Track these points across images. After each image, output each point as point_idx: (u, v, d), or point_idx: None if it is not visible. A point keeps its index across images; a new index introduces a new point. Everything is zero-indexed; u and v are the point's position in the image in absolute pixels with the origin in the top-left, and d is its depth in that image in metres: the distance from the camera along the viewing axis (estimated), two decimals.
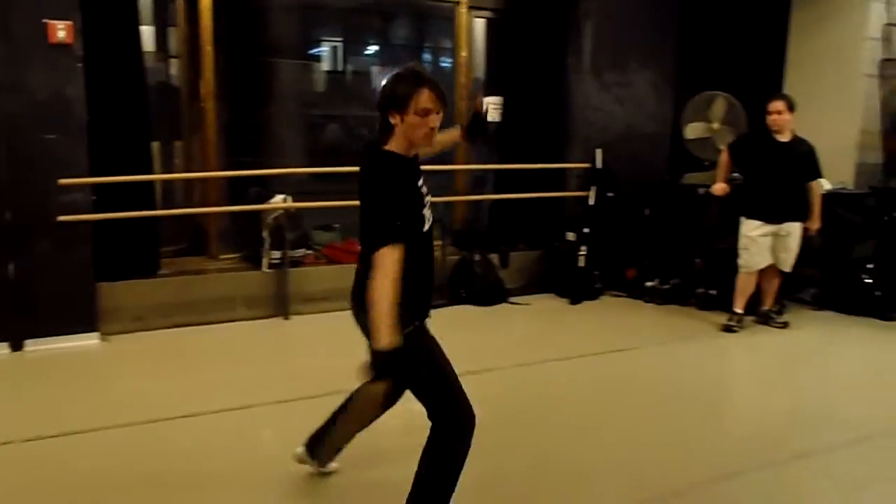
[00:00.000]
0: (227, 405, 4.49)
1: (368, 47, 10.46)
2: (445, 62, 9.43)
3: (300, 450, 3.57)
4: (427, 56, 10.37)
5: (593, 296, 7.32)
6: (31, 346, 5.42)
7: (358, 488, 3.62)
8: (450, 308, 6.84)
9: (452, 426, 2.94)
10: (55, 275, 5.47)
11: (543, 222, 7.67)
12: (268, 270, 6.40)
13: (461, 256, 7.19)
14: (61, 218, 5.39)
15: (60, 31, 5.26)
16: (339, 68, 10.12)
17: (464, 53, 7.62)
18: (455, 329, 6.47)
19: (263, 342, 5.92)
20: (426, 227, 2.86)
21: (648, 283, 7.25)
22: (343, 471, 3.66)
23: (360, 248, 2.99)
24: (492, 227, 7.83)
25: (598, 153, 7.41)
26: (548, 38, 7.66)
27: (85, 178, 5.48)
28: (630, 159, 7.61)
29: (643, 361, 5.65)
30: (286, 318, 6.31)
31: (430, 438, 2.95)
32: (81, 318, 5.61)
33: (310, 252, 6.72)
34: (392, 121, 2.77)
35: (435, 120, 2.75)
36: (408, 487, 3.00)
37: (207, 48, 6.48)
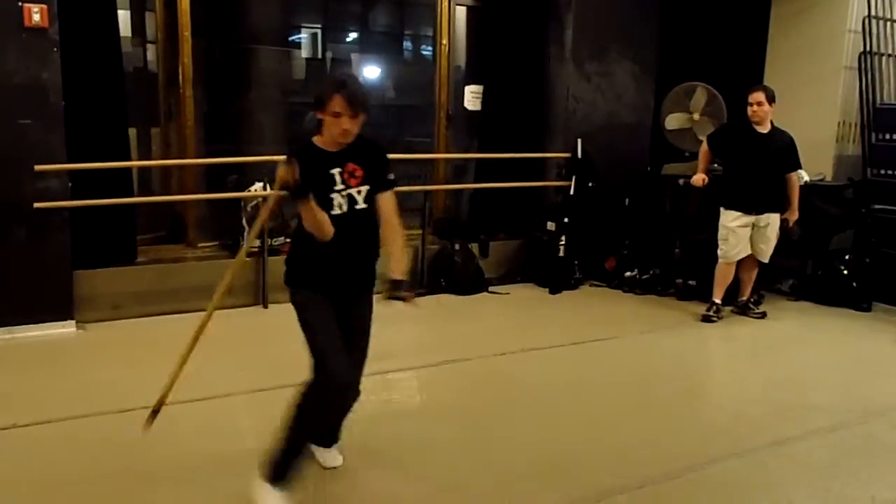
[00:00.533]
0: (204, 394, 4.46)
1: (348, 34, 10.41)
2: (426, 50, 9.40)
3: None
4: (407, 44, 10.34)
5: (573, 286, 7.34)
6: (6, 333, 5.36)
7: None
8: (429, 297, 6.84)
9: (317, 384, 3.21)
10: (31, 262, 5.41)
11: (524, 212, 7.68)
12: (247, 259, 6.36)
13: (441, 245, 7.18)
14: (37, 205, 5.33)
15: (35, 14, 5.19)
16: (319, 55, 10.06)
17: (444, 42, 7.59)
18: (434, 318, 6.52)
19: (242, 331, 5.87)
20: (335, 210, 3.16)
21: (628, 274, 7.28)
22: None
23: None
24: (472, 217, 7.82)
25: (579, 143, 7.42)
26: (529, 27, 7.64)
27: (61, 164, 5.42)
28: (610, 149, 7.63)
29: (622, 351, 5.67)
30: (265, 307, 6.28)
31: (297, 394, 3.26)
32: (58, 305, 5.56)
33: (289, 240, 6.67)
34: (319, 116, 3.16)
35: (346, 122, 3.09)
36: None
37: (185, 34, 6.41)
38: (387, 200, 3.31)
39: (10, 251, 5.33)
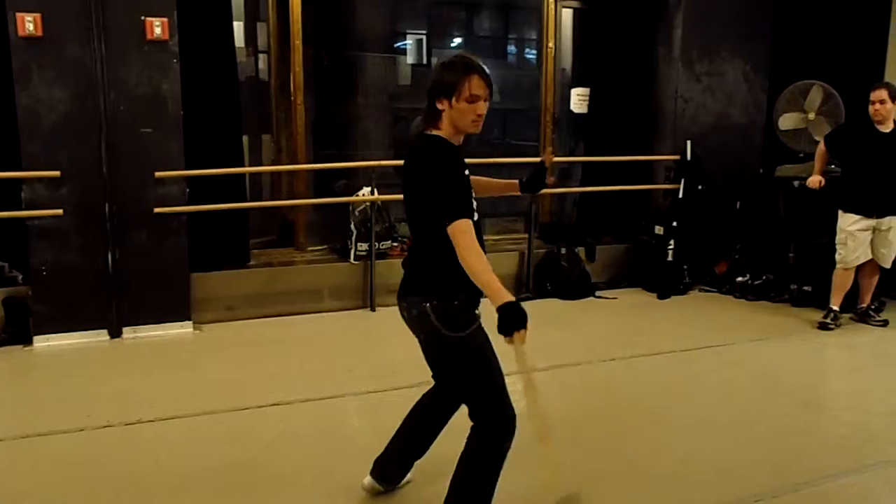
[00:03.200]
0: (314, 395, 4.56)
1: (453, 40, 10.45)
2: (530, 54, 9.37)
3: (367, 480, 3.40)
4: (512, 48, 10.31)
5: (682, 291, 7.19)
6: (129, 333, 5.61)
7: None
8: (536, 301, 6.81)
9: (499, 427, 2.82)
10: (152, 265, 5.64)
11: (631, 215, 7.57)
12: (354, 262, 6.47)
13: (547, 250, 7.15)
14: (157, 210, 5.56)
15: (157, 27, 5.41)
16: (424, 61, 10.14)
17: (550, 45, 7.56)
18: (541, 323, 6.41)
19: (350, 333, 5.99)
20: (475, 217, 2.77)
21: (739, 279, 7.08)
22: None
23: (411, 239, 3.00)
24: (578, 221, 7.76)
25: (688, 145, 7.27)
26: (636, 28, 7.54)
27: (180, 170, 5.63)
28: (721, 151, 7.45)
29: (735, 358, 5.51)
30: (372, 310, 6.37)
31: (472, 439, 2.86)
32: (176, 307, 5.78)
33: (396, 244, 6.76)
34: (440, 107, 2.77)
35: (483, 107, 2.76)
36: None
37: (297, 42, 6.57)
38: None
39: (132, 254, 5.57)
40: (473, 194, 2.81)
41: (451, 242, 2.65)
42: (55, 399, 4.52)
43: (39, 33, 5.14)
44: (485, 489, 2.84)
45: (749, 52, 7.66)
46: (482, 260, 2.63)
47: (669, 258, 7.15)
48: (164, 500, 3.43)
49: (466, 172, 2.82)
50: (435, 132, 2.82)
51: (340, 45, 7.96)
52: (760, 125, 7.75)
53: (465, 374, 2.86)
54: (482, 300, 2.83)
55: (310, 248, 6.86)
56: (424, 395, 3.32)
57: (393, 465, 3.37)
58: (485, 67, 2.78)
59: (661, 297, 7.06)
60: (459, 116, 2.76)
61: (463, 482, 2.87)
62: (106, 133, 5.38)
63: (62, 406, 4.39)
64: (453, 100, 2.74)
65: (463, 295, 2.79)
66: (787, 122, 7.03)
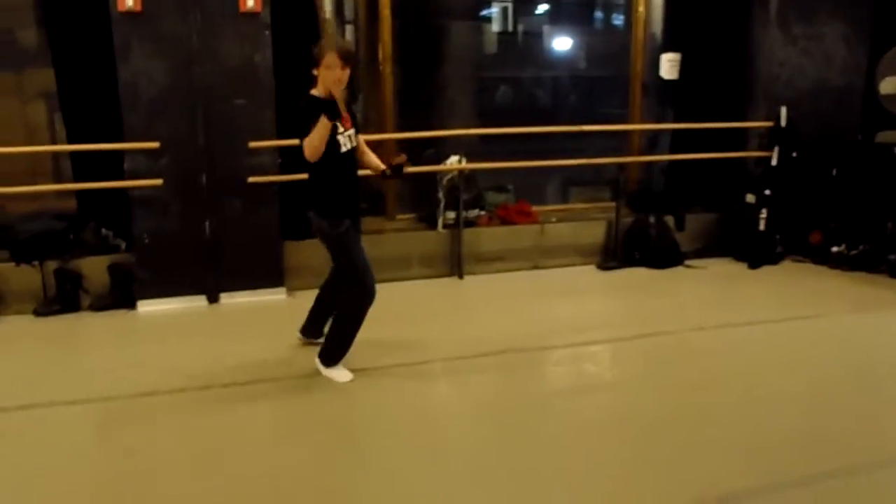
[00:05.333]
0: (403, 360, 4.66)
1: (539, 6, 10.34)
2: (618, 19, 9.22)
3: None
4: (599, 14, 10.15)
5: (774, 260, 7.03)
6: (226, 298, 5.82)
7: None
8: (624, 270, 6.77)
9: (359, 294, 4.27)
10: (246, 233, 5.81)
11: (722, 184, 7.40)
12: (443, 231, 6.53)
13: (636, 218, 7.07)
14: (251, 179, 5.71)
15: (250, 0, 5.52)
16: (510, 29, 10.07)
17: (640, 9, 7.41)
18: (629, 291, 6.46)
19: (439, 301, 6.06)
20: (342, 149, 4.05)
21: (834, 249, 6.88)
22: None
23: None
24: (667, 189, 7.64)
25: (783, 110, 7.06)
26: None
27: (272, 141, 5.76)
28: (817, 117, 7.22)
29: (827, 330, 5.38)
30: (460, 278, 6.43)
31: (338, 303, 4.43)
32: (270, 274, 5.95)
33: (483, 213, 6.79)
34: (315, 73, 4.00)
35: (339, 73, 3.91)
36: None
37: (385, 13, 6.62)
38: (362, 140, 4.35)
39: (227, 223, 5.75)
40: (341, 130, 4.01)
41: (319, 172, 4.06)
42: (158, 362, 4.71)
43: (139, 8, 5.32)
44: (348, 335, 4.35)
45: (850, 13, 7.36)
46: (312, 143, 3.87)
47: (761, 227, 6.99)
48: (268, 454, 3.58)
49: (326, 118, 3.82)
50: (312, 91, 4.05)
51: (426, 13, 7.96)
52: (860, 89, 7.46)
53: (337, 257, 4.34)
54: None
55: (399, 217, 6.95)
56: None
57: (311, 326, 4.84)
58: (344, 45, 4.05)
59: (752, 266, 6.92)
60: (323, 79, 3.97)
61: (334, 330, 4.41)
62: (202, 105, 5.54)
63: (164, 368, 4.57)
64: (318, 67, 3.96)
65: (336, 207, 4.14)
66: (888, 85, 6.77)
